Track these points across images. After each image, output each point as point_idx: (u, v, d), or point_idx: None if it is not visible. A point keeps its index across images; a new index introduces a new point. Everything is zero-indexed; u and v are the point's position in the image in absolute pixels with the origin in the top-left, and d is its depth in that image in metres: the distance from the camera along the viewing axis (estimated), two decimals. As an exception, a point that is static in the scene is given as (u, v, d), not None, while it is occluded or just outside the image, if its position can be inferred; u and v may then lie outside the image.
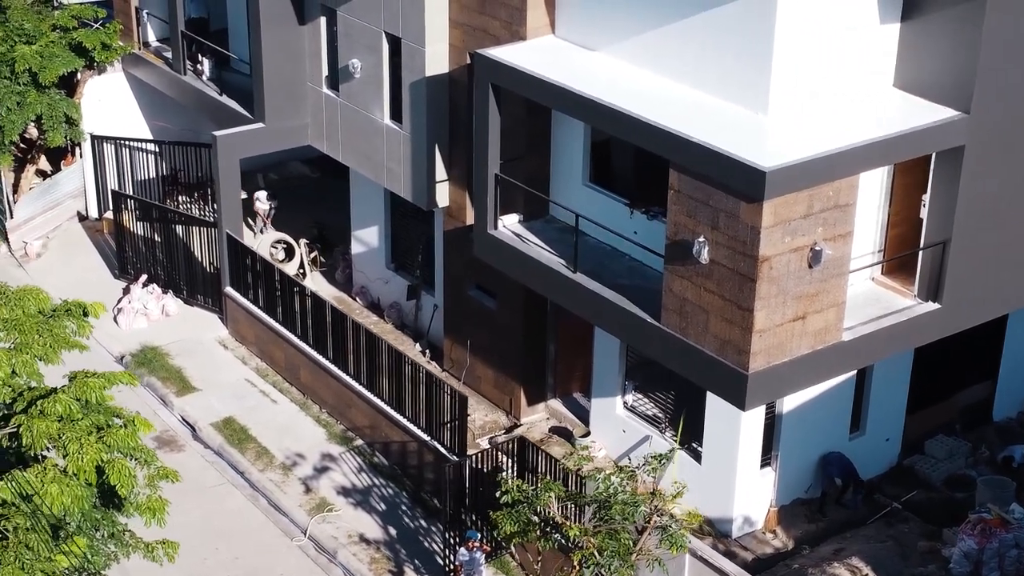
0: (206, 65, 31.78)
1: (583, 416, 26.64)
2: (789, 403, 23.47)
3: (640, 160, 24.13)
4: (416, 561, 23.55)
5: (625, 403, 25.45)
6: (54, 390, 17.46)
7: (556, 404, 27.23)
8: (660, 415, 24.98)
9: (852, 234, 20.77)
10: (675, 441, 24.22)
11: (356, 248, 31.27)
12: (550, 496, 19.15)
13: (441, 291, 28.55)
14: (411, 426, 25.34)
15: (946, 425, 26.08)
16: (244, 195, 34.87)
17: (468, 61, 25.67)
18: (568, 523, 18.93)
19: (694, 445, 24.23)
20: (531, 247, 24.06)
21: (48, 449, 16.80)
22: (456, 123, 26.43)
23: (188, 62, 31.88)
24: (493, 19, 24.68)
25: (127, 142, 34.22)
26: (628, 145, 24.24)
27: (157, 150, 34.52)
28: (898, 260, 22.69)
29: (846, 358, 21.61)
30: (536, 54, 23.50)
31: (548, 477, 21.63)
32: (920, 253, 22.29)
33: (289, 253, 31.84)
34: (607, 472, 19.46)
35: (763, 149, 19.80)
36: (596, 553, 18.34)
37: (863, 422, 24.80)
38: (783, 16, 20.33)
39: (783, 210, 19.65)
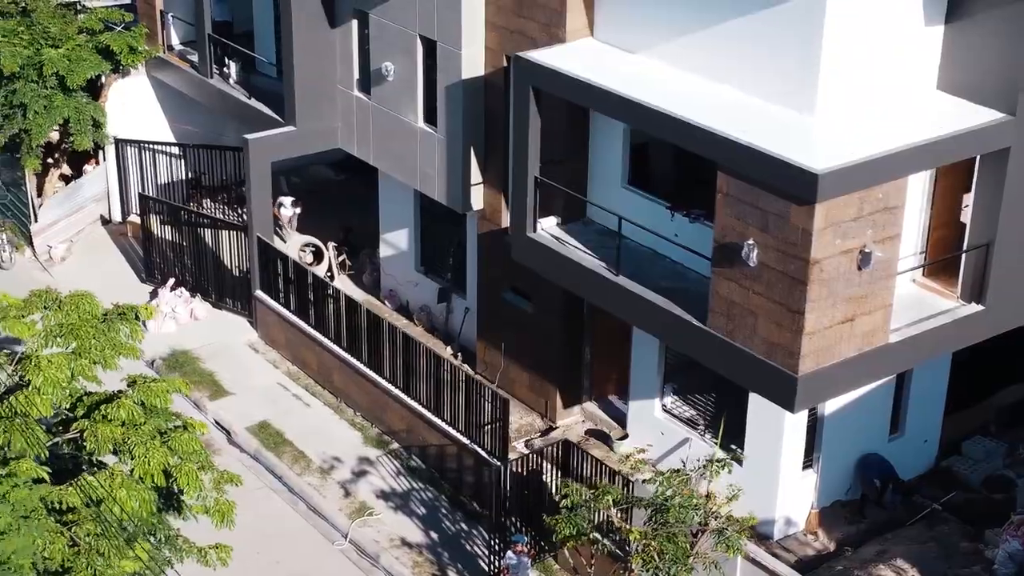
0: (233, 68, 31.74)
1: (619, 418, 26.64)
2: (830, 405, 23.48)
3: (682, 163, 24.16)
4: (459, 565, 23.55)
5: (663, 406, 25.44)
6: (115, 395, 17.43)
7: (591, 407, 27.23)
8: (700, 418, 24.98)
9: (900, 236, 20.79)
10: (715, 444, 24.21)
11: (384, 251, 31.24)
12: (609, 500, 19.16)
13: (473, 294, 28.53)
14: (450, 429, 25.32)
15: (982, 426, 26.11)
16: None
17: (504, 64, 25.69)
18: (628, 527, 18.92)
19: (733, 447, 24.23)
20: (571, 250, 24.03)
21: (112, 454, 16.77)
22: (492, 126, 26.41)
23: (214, 65, 31.82)
24: (531, 21, 24.66)
25: (150, 145, 34.18)
26: (669, 148, 24.28)
27: (180, 153, 34.48)
28: (940, 262, 22.70)
29: (893, 360, 21.63)
30: (577, 57, 23.48)
31: (603, 480, 21.65)
32: (963, 255, 22.32)
33: (317, 256, 31.80)
34: (665, 475, 19.44)
35: (814, 151, 19.80)
36: (656, 557, 18.33)
37: (902, 424, 24.83)
38: (832, 17, 20.33)
39: (834, 212, 19.65)
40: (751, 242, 20.30)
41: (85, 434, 16.63)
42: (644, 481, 19.71)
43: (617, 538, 19.26)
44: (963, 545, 23.31)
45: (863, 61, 21.02)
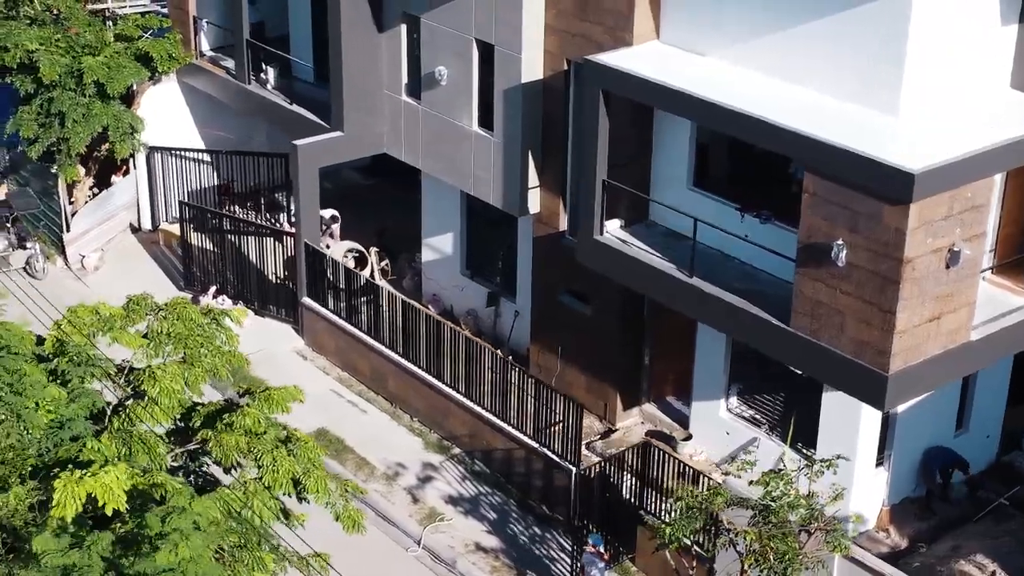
0: (271, 74, 31.61)
1: (679, 419, 26.72)
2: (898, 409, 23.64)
3: (750, 164, 24.29)
4: (535, 568, 23.54)
5: (729, 406, 25.53)
6: (228, 404, 17.34)
7: (651, 408, 27.28)
8: (767, 417, 25.07)
9: (986, 234, 20.98)
10: (786, 443, 24.34)
11: (427, 255, 31.18)
12: (722, 501, 19.23)
13: (527, 297, 28.51)
14: (518, 433, 25.31)
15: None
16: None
17: (564, 67, 25.70)
18: (743, 528, 18.99)
19: (800, 446, 24.36)
20: (641, 252, 24.08)
21: (237, 464, 16.69)
22: (549, 129, 26.42)
23: (252, 71, 31.67)
24: (596, 25, 24.68)
25: (180, 152, 33.99)
26: (736, 149, 24.45)
27: (210, 160, 34.30)
28: (1010, 259, 22.90)
29: (975, 358, 21.82)
30: (647, 59, 23.53)
31: (685, 482, 21.74)
32: (1034, 250, 22.58)
33: (360, 262, 31.69)
34: (772, 475, 19.51)
35: (906, 152, 19.91)
36: (771, 557, 18.42)
37: (967, 419, 25.03)
38: (917, 17, 20.48)
39: (927, 212, 19.80)
40: (840, 242, 20.41)
41: (210, 444, 16.52)
42: (751, 483, 19.79)
43: (721, 540, 19.29)
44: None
45: (943, 60, 21.20)
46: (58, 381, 16.67)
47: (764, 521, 18.90)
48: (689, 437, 25.99)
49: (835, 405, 23.24)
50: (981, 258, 21.05)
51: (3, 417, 15.23)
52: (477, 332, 30.01)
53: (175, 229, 33.79)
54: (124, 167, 34.60)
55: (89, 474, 14.11)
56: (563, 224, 26.97)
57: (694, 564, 21.13)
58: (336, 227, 32.46)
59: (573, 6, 24.98)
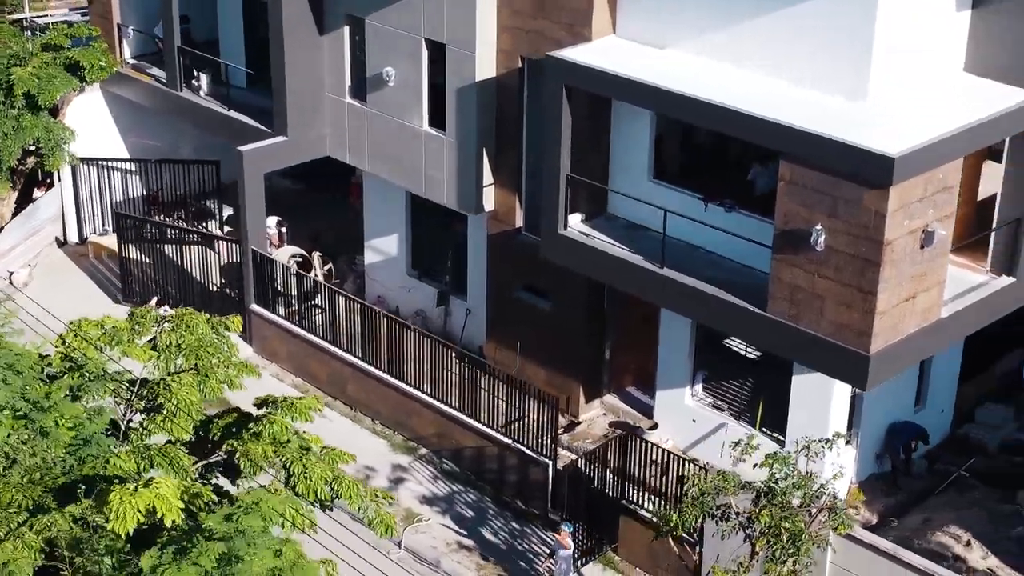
0: (203, 80, 31.21)
1: (641, 409, 27.02)
2: (869, 385, 24.21)
3: (710, 154, 24.70)
4: (522, 562, 23.66)
5: (694, 393, 25.89)
6: (243, 415, 17.19)
7: (612, 399, 27.55)
8: (734, 403, 25.47)
9: (954, 214, 21.61)
10: (755, 427, 24.77)
11: (370, 257, 31.06)
12: (734, 486, 19.53)
13: (480, 295, 28.56)
14: (489, 430, 25.39)
15: (987, 394, 27.18)
16: (229, 211, 34.49)
17: (519, 65, 25.83)
18: (756, 510, 19.30)
19: (764, 429, 24.79)
20: (607, 245, 24.31)
21: (261, 471, 16.56)
22: (503, 127, 26.52)
23: (184, 78, 31.25)
24: (552, 22, 24.84)
25: (106, 163, 33.39)
26: (696, 140, 24.85)
27: (137, 169, 33.76)
28: (966, 238, 23.59)
29: (945, 334, 22.49)
30: (608, 54, 23.78)
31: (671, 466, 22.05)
32: (992, 230, 23.29)
33: (304, 267, 31.44)
34: (776, 457, 19.86)
35: (880, 136, 20.42)
36: (783, 538, 18.77)
37: (924, 395, 25.73)
38: (884, 3, 21.00)
39: (905, 194, 20.35)
40: (819, 227, 20.86)
41: (237, 454, 16.36)
42: (755, 466, 20.13)
43: (730, 524, 19.59)
44: (1003, 508, 24.28)
45: (907, 45, 21.79)
46: (69, 397, 16.36)
47: (769, 503, 19.26)
48: (655, 426, 26.30)
49: (805, 387, 23.74)
50: (950, 238, 21.68)
51: (28, 436, 14.89)
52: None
53: (105, 241, 33.22)
54: (48, 180, 33.88)
55: (141, 487, 13.89)
56: (519, 221, 27.10)
57: (699, 551, 21.42)
58: (271, 232, 32.14)
59: (529, 4, 25.11)
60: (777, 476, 19.49)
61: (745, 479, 20.11)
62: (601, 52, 23.91)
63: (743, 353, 25.06)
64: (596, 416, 27.37)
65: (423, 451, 26.54)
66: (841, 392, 23.62)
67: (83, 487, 15.20)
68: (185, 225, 33.05)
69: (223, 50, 31.74)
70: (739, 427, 25.16)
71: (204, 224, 33.67)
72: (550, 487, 24.50)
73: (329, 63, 28.79)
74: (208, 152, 34.15)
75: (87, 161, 33.07)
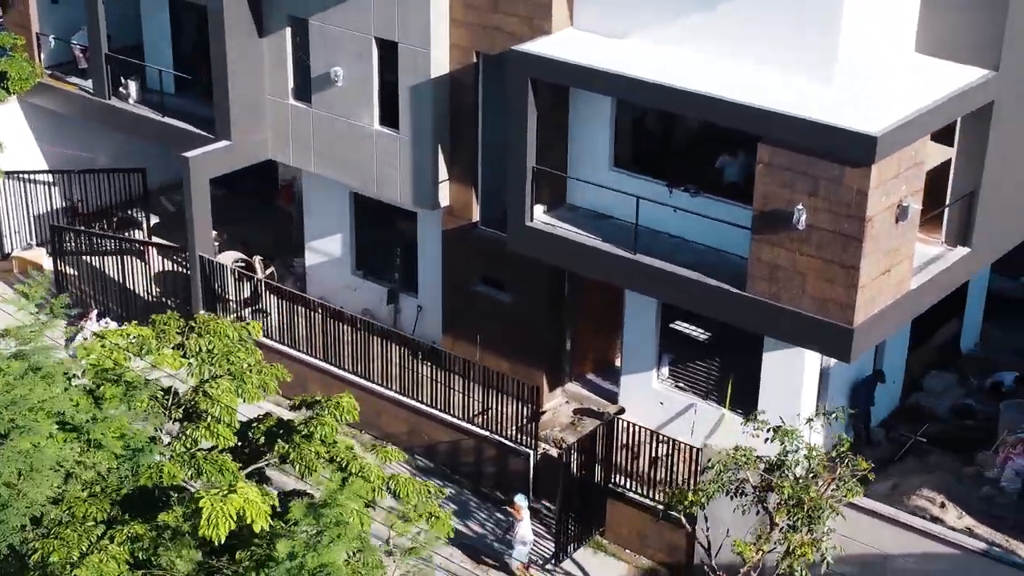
0: (132, 87, 30.72)
1: (603, 395, 27.44)
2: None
3: (672, 141, 25.21)
4: (511, 551, 23.89)
5: (660, 376, 26.39)
6: (282, 420, 17.15)
7: (574, 387, 27.92)
8: (702, 383, 25.99)
9: (922, 189, 22.47)
10: (724, 406, 25.38)
11: (311, 259, 30.91)
12: (757, 460, 20.03)
13: (432, 291, 28.66)
14: (465, 424, 25.57)
15: (930, 363, 28.24)
16: (156, 219, 34.08)
17: (474, 60, 26.02)
18: (779, 481, 19.81)
19: (729, 408, 25.40)
20: (576, 234, 24.67)
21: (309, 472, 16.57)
22: (458, 123, 26.68)
23: (111, 85, 30.73)
24: (510, 16, 25.08)
25: (26, 175, 32.63)
26: (656, 127, 25.35)
27: (59, 181, 33.07)
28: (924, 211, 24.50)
29: (914, 305, 23.38)
30: (572, 46, 24.11)
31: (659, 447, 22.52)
32: (947, 201, 24.24)
33: (247, 271, 31.18)
34: (784, 431, 20.43)
35: (859, 116, 21.14)
36: (804, 508, 19.33)
37: (880, 365, 26.59)
38: (851, -12, 21.77)
39: (883, 172, 21.12)
40: (800, 207, 21.51)
41: (291, 456, 16.31)
42: (767, 440, 20.67)
43: (747, 498, 20.11)
44: (965, 470, 25.27)
45: (869, 27, 22.54)
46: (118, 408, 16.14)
47: (781, 476, 19.82)
48: (622, 411, 26.70)
49: (776, 365, 24.38)
50: (919, 212, 22.53)
51: (82, 448, 14.69)
52: (376, 331, 30.04)
53: (30, 255, 32.50)
54: (-36, 195, 32.98)
55: (226, 493, 13.82)
56: (476, 215, 27.30)
57: (708, 526, 21.89)
58: (225, 238, 31.89)
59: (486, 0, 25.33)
60: (788, 449, 20.06)
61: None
62: (565, 44, 24.24)
63: (697, 336, 25.54)
64: (559, 404, 27.70)
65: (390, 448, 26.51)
66: (812, 368, 24.34)
67: (159, 496, 15.10)
68: (123, 235, 32.60)
69: (148, 56, 31.26)
70: (708, 407, 25.74)
71: (130, 233, 33.16)
72: (531, 475, 24.78)
73: (270, 65, 28.60)
74: (127, 160, 33.63)
75: (9, 175, 32.27)
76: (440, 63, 26.12)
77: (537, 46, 24.14)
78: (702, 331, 25.71)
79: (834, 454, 20.39)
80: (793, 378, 24.35)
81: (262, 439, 17.07)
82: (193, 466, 15.95)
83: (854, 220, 21.17)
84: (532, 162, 24.57)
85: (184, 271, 30.44)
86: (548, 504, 24.80)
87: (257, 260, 31.27)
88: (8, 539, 13.27)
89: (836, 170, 21.11)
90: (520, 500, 23.61)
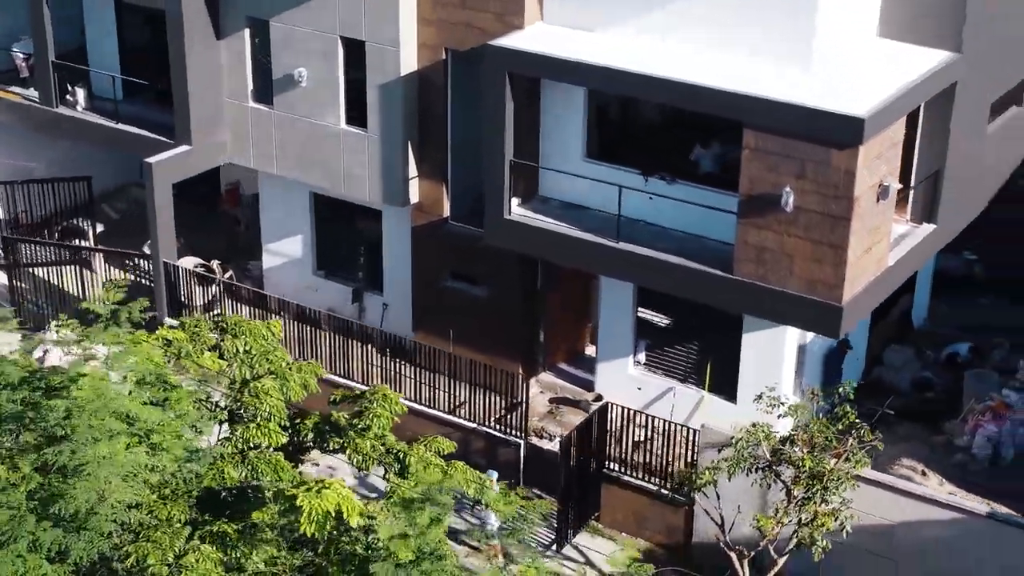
0: (80, 95, 30.33)
1: (577, 383, 27.82)
2: (809, 334, 25.66)
3: (644, 131, 25.68)
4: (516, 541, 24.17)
5: (637, 361, 26.85)
6: (326, 418, 17.27)
7: (547, 377, 28.26)
8: (679, 367, 26.50)
9: (898, 168, 23.26)
10: (704, 388, 25.94)
11: (269, 261, 30.81)
12: (776, 437, 20.57)
13: (399, 288, 28.77)
14: (452, 417, 25.78)
15: (888, 338, 29.12)
16: (101, 228, 33.64)
17: (443, 57, 26.21)
18: (799, 455, 20.35)
19: (708, 390, 26.00)
20: (557, 225, 25.03)
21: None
22: (427, 119, 26.85)
23: (58, 93, 30.30)
24: (480, 12, 25.31)
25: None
26: (628, 118, 25.81)
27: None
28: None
29: (891, 281, 24.18)
30: (547, 40, 24.45)
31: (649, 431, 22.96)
32: (912, 180, 25.08)
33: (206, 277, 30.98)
34: (795, 407, 21.00)
35: (844, 99, 21.81)
36: (824, 480, 19.91)
37: (848, 341, 27.38)
38: (825, -24, 22.45)
39: (868, 152, 21.83)
40: (788, 189, 22.13)
41: (348, 451, 16.40)
42: (780, 416, 21.23)
43: (766, 474, 20.65)
44: (935, 439, 26.15)
45: (838, 16, 23.26)
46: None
47: (801, 450, 20.39)
48: (599, 398, 27.10)
49: (756, 343, 25.00)
50: (895, 190, 23.30)
51: (147, 450, 14.67)
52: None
53: (-26, 270, 31.93)
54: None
55: (319, 489, 13.93)
56: (446, 211, 27.49)
57: (720, 505, 22.36)
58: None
59: (453, -4, 25.58)
60: (800, 423, 20.65)
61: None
62: (540, 38, 24.57)
63: (686, 318, 26.07)
64: (535, 395, 28.01)
65: (376, 446, 26.64)
66: (791, 345, 25.01)
67: (225, 497, 15.14)
68: (89, 245, 32.18)
69: (93, 61, 30.85)
70: (687, 390, 26.27)
71: (76, 243, 32.72)
72: (522, 465, 25.08)
73: (228, 67, 28.45)
74: (66, 169, 33.15)
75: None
76: (408, 61, 26.27)
77: (513, 41, 24.45)
78: (665, 318, 26.21)
79: (840, 427, 20.99)
80: (774, 356, 24.98)
81: (310, 435, 17.13)
82: (247, 466, 15.97)
83: (842, 200, 21.84)
84: (510, 155, 24.87)
85: (138, 278, 30.21)
86: (538, 492, 25.06)
87: (216, 264, 31.09)
88: (98, 546, 13.21)
89: (823, 152, 21.76)
90: (490, 475, 23.65)
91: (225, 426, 17.17)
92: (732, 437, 21.43)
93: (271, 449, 16.53)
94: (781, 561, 21.02)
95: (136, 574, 13.69)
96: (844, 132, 21.45)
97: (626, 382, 26.89)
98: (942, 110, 24.39)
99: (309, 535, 13.79)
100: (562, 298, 27.64)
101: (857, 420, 20.84)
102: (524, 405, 25.18)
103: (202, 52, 27.94)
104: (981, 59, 24.44)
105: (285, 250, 30.45)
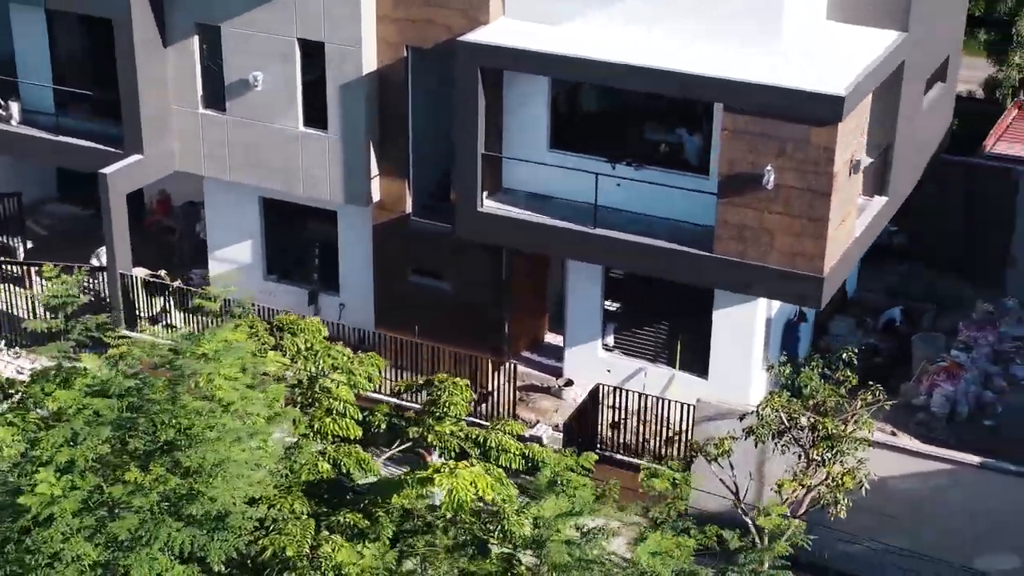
0: (15, 108, 29.77)
1: (545, 370, 28.36)
2: (774, 307, 26.64)
3: (609, 118, 26.38)
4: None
5: (605, 345, 27.53)
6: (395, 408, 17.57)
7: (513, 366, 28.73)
8: (648, 347, 27.25)
9: (865, 143, 24.42)
10: (675, 367, 26.75)
11: (216, 268, 30.64)
12: (795, 402, 21.36)
13: (356, 288, 28.92)
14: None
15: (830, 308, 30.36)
16: (31, 244, 33.06)
17: (404, 55, 26.51)
18: (821, 419, 21.16)
19: (679, 368, 26.85)
20: (532, 215, 25.59)
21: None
22: (388, 118, 27.09)
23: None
24: (443, 9, 25.68)
25: None
26: (594, 106, 26.50)
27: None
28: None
29: (858, 250, 25.34)
30: (516, 34, 24.97)
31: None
32: (863, 155, 26.26)
33: (158, 288, 30.66)
34: (809, 374, 21.84)
35: (817, 79, 22.82)
36: (843, 442, 20.79)
37: (801, 313, 28.53)
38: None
39: (845, 128, 22.89)
40: (769, 168, 23.06)
41: (429, 438, 16.69)
42: (798, 384, 22.07)
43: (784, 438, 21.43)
44: (892, 401, 27.37)
45: (798, 1, 24.33)
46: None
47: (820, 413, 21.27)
48: (570, 383, 27.75)
49: (728, 320, 25.91)
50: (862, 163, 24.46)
51: (259, 446, 14.81)
52: (294, 333, 30.05)
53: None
54: None
55: (450, 471, 14.27)
56: (408, 207, 27.78)
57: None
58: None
59: (414, -6, 25.89)
60: (815, 390, 21.52)
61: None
62: (509, 33, 25.07)
63: (654, 299, 26.85)
64: (502, 384, 28.46)
65: (356, 444, 26.84)
66: (761, 319, 25.99)
67: (325, 490, 15.37)
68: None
69: (23, 74, 30.27)
70: (658, 369, 27.05)
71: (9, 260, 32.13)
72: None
73: (176, 75, 28.27)
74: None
75: None
76: (368, 60, 26.49)
77: (484, 36, 24.91)
78: (632, 302, 27.03)
79: (843, 391, 21.93)
80: (746, 331, 25.92)
81: (382, 427, 17.37)
82: (327, 459, 16.18)
83: (822, 176, 22.86)
84: (482, 149, 25.33)
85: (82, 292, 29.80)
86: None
87: (163, 274, 30.81)
88: (235, 544, 13.34)
89: (803, 131, 22.74)
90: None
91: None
92: (733, 410, 22.27)
93: (349, 442, 16.75)
94: (794, 524, 21.84)
95: (275, 567, 13.82)
96: (824, 110, 22.46)
97: (596, 365, 27.54)
98: (892, 87, 25.61)
99: (451, 515, 14.10)
100: (523, 288, 28.16)
101: (871, 383, 21.76)
102: (514, 391, 25.63)
103: (150, 60, 27.71)
104: (921, 37, 25.76)
105: (233, 256, 30.33)
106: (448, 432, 16.71)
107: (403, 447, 17.47)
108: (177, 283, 30.99)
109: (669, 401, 24.89)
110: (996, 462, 22.13)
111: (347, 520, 14.36)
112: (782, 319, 27.22)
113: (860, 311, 30.85)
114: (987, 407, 27.55)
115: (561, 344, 28.21)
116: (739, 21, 23.91)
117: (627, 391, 25.42)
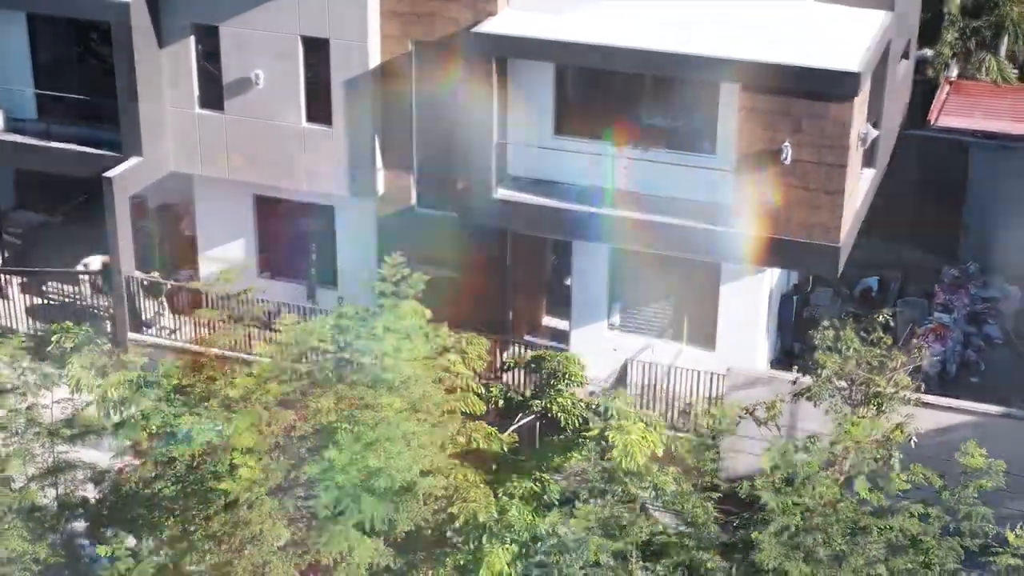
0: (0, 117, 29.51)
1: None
2: (774, 276, 27.68)
3: (612, 102, 27.17)
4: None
5: (612, 324, 28.33)
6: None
7: (518, 349, 29.35)
8: (654, 323, 28.12)
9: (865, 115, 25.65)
10: (682, 342, 27.68)
11: (208, 268, 30.65)
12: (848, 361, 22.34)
13: (367, 279, 29.22)
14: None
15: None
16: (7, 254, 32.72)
17: (408, 49, 26.96)
18: (872, 377, 22.18)
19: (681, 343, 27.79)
20: (547, 200, 26.29)
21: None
22: (392, 111, 27.51)
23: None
24: (450, 1, 26.20)
25: None
26: (598, 91, 27.29)
27: None
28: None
29: (859, 218, 26.55)
30: (525, 23, 25.63)
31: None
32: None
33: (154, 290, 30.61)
34: (848, 338, 22.85)
35: (830, 58, 23.94)
36: (893, 398, 21.88)
37: (788, 283, 29.71)
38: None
39: (858, 103, 24.06)
40: (787, 144, 24.11)
41: (555, 410, 17.28)
42: (836, 347, 23.06)
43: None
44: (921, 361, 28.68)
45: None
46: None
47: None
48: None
49: (733, 294, 26.91)
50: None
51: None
52: (292, 329, 30.25)
53: None
54: None
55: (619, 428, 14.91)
56: (413, 198, 28.24)
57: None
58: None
59: (422, -13, 26.38)
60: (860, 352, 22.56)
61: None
62: (519, 22, 25.71)
63: (660, 277, 27.72)
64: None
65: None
66: (766, 291, 27.07)
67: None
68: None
69: (4, 80, 29.97)
70: (665, 345, 27.95)
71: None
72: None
73: (171, 76, 28.31)
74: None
75: None
76: (373, 54, 26.91)
77: (496, 26, 25.52)
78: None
79: (877, 351, 23.05)
80: (754, 302, 26.97)
81: (500, 402, 17.90)
82: (463, 435, 16.70)
83: (838, 150, 23.98)
84: (496, 138, 25.96)
85: (54, 300, 29.87)
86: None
87: (156, 275, 30.77)
88: (419, 515, 13.85)
89: (821, 107, 23.82)
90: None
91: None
92: (761, 376, 23.31)
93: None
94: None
95: (466, 533, 14.30)
96: (842, 87, 23.57)
97: (602, 344, 28.33)
98: (880, 65, 26.88)
99: (624, 471, 14.73)
100: (525, 272, 28.82)
101: (914, 340, 22.92)
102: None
103: (145, 62, 27.73)
104: (902, 16, 27.10)
105: (225, 256, 30.38)
106: (570, 402, 17.34)
107: (524, 420, 18.04)
108: (169, 284, 31.03)
109: (699, 372, 25.77)
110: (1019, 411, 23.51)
111: (520, 486, 14.94)
112: (780, 291, 28.35)
113: (836, 281, 32.12)
114: (971, 365, 29.11)
115: (559, 327, 28.97)
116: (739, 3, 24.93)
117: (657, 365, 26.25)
